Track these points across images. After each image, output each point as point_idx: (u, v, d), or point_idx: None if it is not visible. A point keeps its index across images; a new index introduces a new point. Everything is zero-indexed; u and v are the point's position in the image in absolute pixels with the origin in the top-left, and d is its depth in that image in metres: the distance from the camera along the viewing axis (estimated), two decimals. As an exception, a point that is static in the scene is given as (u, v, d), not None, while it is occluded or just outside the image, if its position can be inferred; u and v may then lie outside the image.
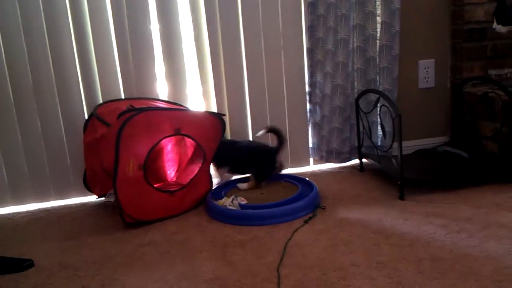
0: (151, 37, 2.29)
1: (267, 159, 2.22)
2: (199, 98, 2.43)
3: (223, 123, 2.19)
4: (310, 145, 2.54)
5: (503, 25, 2.01)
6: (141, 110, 1.93)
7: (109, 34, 2.25)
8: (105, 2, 2.22)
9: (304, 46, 2.40)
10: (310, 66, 2.41)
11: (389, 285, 1.39)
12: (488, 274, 1.41)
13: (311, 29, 2.35)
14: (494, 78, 2.38)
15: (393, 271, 1.46)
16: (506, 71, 2.40)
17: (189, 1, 2.29)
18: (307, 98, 2.47)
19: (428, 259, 1.52)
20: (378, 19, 2.35)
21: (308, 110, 2.48)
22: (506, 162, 2.11)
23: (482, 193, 2.01)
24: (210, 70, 2.35)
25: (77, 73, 2.25)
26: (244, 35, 2.35)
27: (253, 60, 2.39)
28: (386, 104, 2.14)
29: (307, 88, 2.45)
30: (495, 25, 2.04)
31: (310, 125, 2.51)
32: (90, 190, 2.28)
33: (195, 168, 2.15)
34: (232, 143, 2.28)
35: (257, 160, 2.21)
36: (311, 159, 2.57)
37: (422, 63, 2.51)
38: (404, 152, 2.11)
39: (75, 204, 2.31)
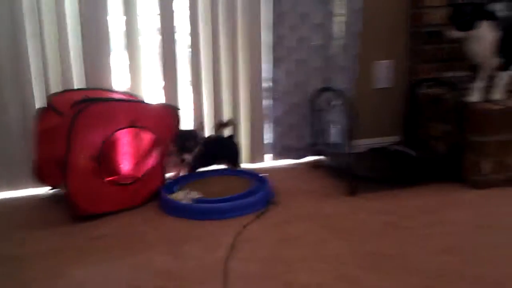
0: (108, 28, 2.26)
1: (234, 145, 2.35)
2: (157, 91, 2.41)
3: (178, 116, 2.19)
4: (269, 140, 2.56)
5: (460, 30, 2.07)
6: (96, 100, 1.91)
7: (65, 23, 2.20)
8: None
9: (261, 43, 2.41)
10: (272, 62, 2.42)
11: (333, 278, 1.43)
12: (430, 270, 1.46)
13: (274, 26, 2.36)
14: (448, 81, 2.46)
15: (338, 265, 1.50)
16: (460, 73, 2.48)
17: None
18: (267, 94, 2.48)
19: (373, 254, 1.56)
20: (340, 18, 2.39)
21: (269, 105, 2.49)
22: (452, 162, 2.18)
23: (428, 191, 2.08)
24: (164, 63, 2.34)
25: (28, 61, 2.19)
26: (203, 29, 2.35)
27: (210, 54, 2.38)
28: (342, 102, 2.18)
29: (269, 84, 2.46)
30: (453, 32, 2.10)
31: (269, 121, 2.53)
32: (42, 181, 2.24)
33: (150, 161, 2.14)
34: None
35: (228, 149, 2.32)
36: (266, 156, 2.58)
37: (380, 63, 2.57)
38: (357, 150, 2.17)
39: (26, 196, 2.26)
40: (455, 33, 2.10)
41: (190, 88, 2.40)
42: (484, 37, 2.06)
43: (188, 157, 2.20)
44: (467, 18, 2.05)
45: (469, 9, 2.06)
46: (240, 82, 2.45)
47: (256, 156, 2.54)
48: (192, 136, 2.23)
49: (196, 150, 2.21)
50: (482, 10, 2.07)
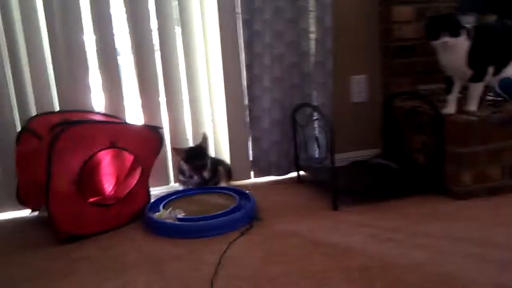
0: (85, 48, 2.26)
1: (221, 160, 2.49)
2: (137, 111, 2.42)
3: (160, 136, 2.19)
4: (251, 158, 2.57)
5: (455, 36, 2.10)
6: (74, 123, 1.90)
7: (42, 45, 2.20)
8: (36, 12, 2.18)
9: (242, 62, 2.42)
10: (249, 81, 2.44)
11: (319, 293, 1.44)
12: (414, 282, 1.48)
13: (248, 45, 2.38)
14: (422, 93, 2.51)
15: (323, 280, 1.51)
16: (433, 86, 2.53)
17: (126, 11, 2.29)
18: (247, 112, 2.50)
19: (357, 268, 1.57)
20: (312, 36, 2.43)
21: (247, 124, 2.50)
22: (432, 173, 2.22)
23: (410, 203, 2.11)
24: (146, 83, 2.36)
25: (8, 85, 2.19)
26: (183, 49, 2.38)
27: (192, 74, 2.41)
28: (320, 117, 2.21)
29: (246, 102, 2.49)
30: (447, 38, 2.09)
31: (250, 138, 2.53)
32: (23, 204, 2.21)
33: (132, 182, 2.13)
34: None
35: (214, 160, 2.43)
36: (251, 172, 2.60)
37: (355, 78, 2.61)
38: (339, 164, 2.19)
39: (7, 220, 2.23)
40: (452, 40, 2.10)
41: (168, 107, 2.42)
42: (459, 48, 2.10)
43: (206, 174, 2.30)
44: (456, 23, 2.09)
45: (443, 19, 2.10)
46: (222, 100, 2.46)
47: (242, 173, 2.55)
48: (202, 152, 2.32)
49: (209, 164, 2.32)
50: (454, 20, 2.10)
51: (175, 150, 2.35)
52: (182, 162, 2.33)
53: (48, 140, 1.83)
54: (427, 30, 2.14)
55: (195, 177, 2.31)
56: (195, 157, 2.30)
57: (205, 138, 2.35)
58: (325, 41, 2.41)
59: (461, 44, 2.09)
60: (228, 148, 2.50)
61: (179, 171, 2.40)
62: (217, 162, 2.44)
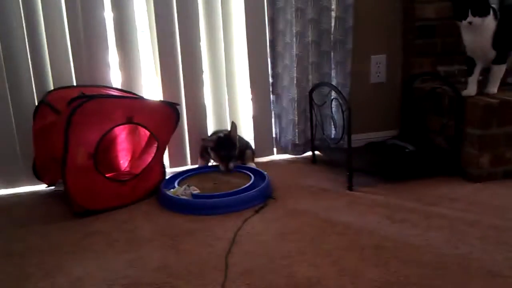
0: (105, 24, 2.25)
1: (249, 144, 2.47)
2: (155, 88, 2.41)
3: (177, 113, 2.18)
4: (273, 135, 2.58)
5: (479, 16, 2.05)
6: (92, 97, 1.90)
7: (61, 20, 2.20)
8: (57, -13, 2.17)
9: (267, 38, 2.41)
10: (272, 58, 2.43)
11: (332, 271, 1.43)
12: (428, 262, 1.47)
13: (272, 21, 2.36)
14: (442, 75, 2.47)
15: (337, 259, 1.50)
16: (454, 67, 2.49)
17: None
18: (271, 88, 2.49)
19: (372, 247, 1.57)
20: (333, 13, 2.39)
21: (271, 101, 2.51)
22: (451, 156, 2.19)
23: (426, 185, 2.09)
24: (164, 59, 2.34)
25: (27, 58, 2.20)
26: (205, 23, 2.37)
27: (213, 49, 2.40)
28: (338, 97, 2.18)
29: (270, 79, 2.47)
30: (470, 18, 2.03)
31: (273, 115, 2.54)
32: (40, 178, 2.24)
33: (148, 158, 2.14)
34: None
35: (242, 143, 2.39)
36: (274, 149, 2.60)
37: (375, 58, 2.57)
38: (355, 145, 2.16)
39: (25, 193, 2.27)
40: (476, 20, 2.04)
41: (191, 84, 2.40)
42: (485, 29, 2.06)
43: (232, 165, 2.25)
44: (482, 3, 2.03)
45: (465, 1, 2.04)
46: (245, 77, 2.45)
47: (265, 150, 2.56)
48: (232, 142, 2.28)
49: (236, 153, 2.29)
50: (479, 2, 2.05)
51: (203, 140, 2.33)
52: (210, 149, 2.30)
53: (66, 114, 1.83)
54: (455, 9, 2.09)
55: (221, 167, 2.27)
56: (224, 147, 2.26)
57: (234, 127, 2.29)
58: (345, 19, 2.38)
59: (488, 24, 2.04)
60: (255, 124, 2.52)
61: (203, 152, 2.38)
62: (245, 146, 2.42)
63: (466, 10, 2.02)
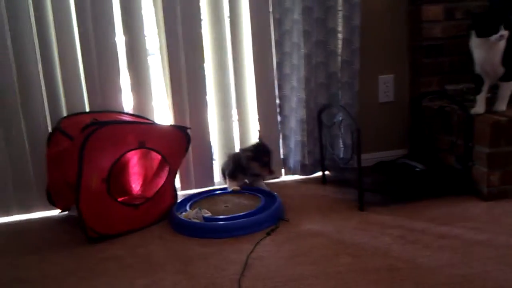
0: (116, 49, 2.30)
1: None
2: (165, 111, 2.45)
3: (187, 136, 2.21)
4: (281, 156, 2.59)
5: (487, 36, 2.07)
6: (105, 123, 1.94)
7: (74, 46, 2.25)
8: (70, 14, 2.22)
9: (274, 59, 2.45)
10: (279, 80, 2.46)
11: (346, 294, 1.44)
12: (442, 283, 1.47)
13: (278, 44, 2.40)
14: (450, 93, 2.48)
15: (351, 281, 1.50)
16: (461, 86, 2.50)
17: (154, 14, 2.32)
18: (278, 110, 2.52)
19: (385, 269, 1.57)
20: (339, 35, 2.42)
21: (278, 122, 2.53)
22: (461, 175, 2.19)
23: (437, 204, 2.08)
24: (174, 83, 2.37)
25: (41, 85, 2.24)
26: (211, 46, 2.40)
27: (220, 72, 2.43)
28: (346, 117, 2.20)
29: (277, 101, 2.50)
30: (502, 31, 2.02)
31: (280, 136, 2.56)
32: (54, 204, 2.27)
33: (160, 181, 2.16)
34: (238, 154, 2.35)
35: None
36: (282, 170, 2.61)
37: (382, 78, 2.59)
38: (364, 164, 2.17)
39: (38, 219, 2.29)
40: (505, 33, 2.04)
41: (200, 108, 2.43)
42: (497, 45, 2.07)
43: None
44: (499, 22, 2.04)
45: (499, 14, 2.05)
46: (254, 98, 2.48)
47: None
48: (267, 149, 2.30)
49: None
50: (508, 15, 2.07)
51: (233, 156, 2.35)
52: (246, 162, 2.26)
53: (79, 140, 1.87)
54: (483, 25, 2.09)
55: (263, 174, 2.31)
56: (261, 154, 2.28)
57: (261, 136, 2.38)
58: (352, 40, 2.40)
59: (503, 41, 2.06)
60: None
61: (234, 171, 2.32)
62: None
63: (497, 24, 2.04)
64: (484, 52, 2.12)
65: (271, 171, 2.29)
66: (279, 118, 2.52)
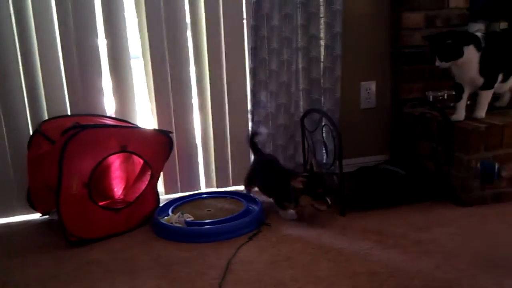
0: (99, 52, 2.29)
1: None
2: (148, 115, 2.44)
3: (170, 141, 2.21)
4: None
5: (446, 61, 2.12)
6: (86, 127, 1.93)
7: (56, 49, 2.23)
8: (52, 16, 2.20)
9: (246, 67, 2.44)
10: (253, 86, 2.44)
11: (325, 299, 1.45)
12: (418, 287, 1.49)
13: (254, 50, 2.39)
14: (431, 100, 2.52)
15: (330, 285, 1.52)
16: (442, 93, 2.54)
17: (136, 16, 2.32)
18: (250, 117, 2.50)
19: (364, 273, 1.59)
20: (321, 42, 2.44)
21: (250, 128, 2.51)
22: (441, 180, 2.22)
23: (417, 209, 2.11)
24: (157, 86, 2.37)
25: (22, 88, 2.22)
26: (193, 52, 2.40)
27: (201, 76, 2.43)
28: (327, 123, 2.22)
29: (249, 107, 2.49)
30: (438, 62, 2.13)
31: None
32: (34, 207, 2.25)
33: (142, 186, 2.16)
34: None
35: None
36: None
37: (364, 84, 2.62)
38: (346, 170, 2.19)
39: (19, 222, 2.26)
40: (444, 64, 2.13)
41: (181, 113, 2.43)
42: (466, 63, 2.12)
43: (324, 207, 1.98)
44: (445, 51, 2.10)
45: (454, 38, 2.10)
46: (226, 105, 2.47)
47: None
48: (320, 176, 2.04)
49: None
50: (466, 35, 2.12)
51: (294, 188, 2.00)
52: (295, 193, 2.00)
53: (60, 144, 1.86)
54: (431, 52, 2.16)
55: (321, 208, 1.98)
56: (316, 183, 1.99)
57: (312, 164, 2.07)
58: (334, 46, 2.43)
59: (469, 59, 2.11)
60: (231, 152, 2.51)
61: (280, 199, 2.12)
62: None
63: (434, 55, 2.10)
64: (456, 68, 2.17)
65: (328, 202, 1.97)
66: (250, 124, 2.50)
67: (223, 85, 2.44)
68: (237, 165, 2.52)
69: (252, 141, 2.36)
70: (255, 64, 2.40)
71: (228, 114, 2.47)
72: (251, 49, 2.38)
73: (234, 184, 2.54)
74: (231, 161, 2.51)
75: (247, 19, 2.39)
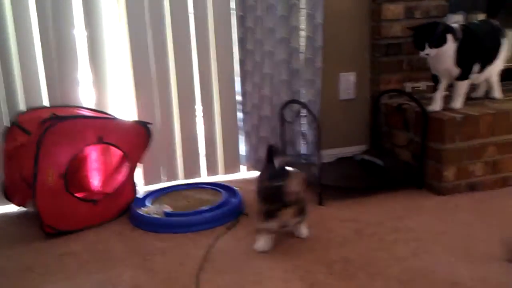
0: (75, 42, 2.26)
1: None
2: (126, 106, 2.42)
3: (148, 132, 2.20)
4: (243, 153, 2.59)
5: (436, 47, 2.14)
6: (63, 118, 1.90)
7: (32, 39, 2.20)
8: (28, 6, 2.16)
9: (234, 57, 2.45)
10: (241, 77, 2.46)
11: (301, 286, 1.46)
12: (394, 275, 1.51)
13: (241, 41, 2.41)
14: (410, 91, 2.54)
15: (306, 274, 1.53)
16: (420, 83, 2.56)
17: (116, 7, 2.30)
18: (239, 107, 2.51)
19: (340, 261, 1.60)
20: (302, 33, 2.45)
21: (241, 119, 2.53)
22: (417, 170, 2.25)
23: (394, 198, 2.14)
24: (134, 78, 2.36)
25: (-2, 80, 2.20)
26: (174, 44, 2.38)
27: (183, 68, 2.41)
28: (308, 114, 2.23)
29: (239, 98, 2.50)
30: (427, 50, 2.13)
31: (243, 133, 2.56)
32: (10, 199, 2.22)
33: (120, 177, 2.14)
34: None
35: None
36: (242, 167, 2.62)
37: (344, 75, 2.63)
38: (325, 160, 2.21)
39: (-5, 214, 2.25)
40: (433, 51, 2.14)
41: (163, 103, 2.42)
42: (444, 54, 2.14)
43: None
44: (437, 37, 2.12)
45: (438, 28, 2.12)
46: (214, 95, 2.47)
47: (231, 166, 2.57)
48: (280, 193, 1.64)
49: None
50: (446, 26, 2.14)
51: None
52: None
53: (36, 135, 1.83)
54: (414, 41, 2.18)
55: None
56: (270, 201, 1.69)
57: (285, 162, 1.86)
58: (315, 38, 2.43)
59: (447, 48, 2.13)
60: (219, 142, 2.53)
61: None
62: None
63: (423, 42, 2.11)
64: (433, 59, 2.19)
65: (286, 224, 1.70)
66: (240, 115, 2.53)
67: (210, 74, 2.45)
68: (228, 152, 2.54)
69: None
70: (242, 55, 2.42)
71: (216, 104, 2.49)
72: (239, 40, 2.39)
73: (225, 172, 2.56)
74: (220, 150, 2.54)
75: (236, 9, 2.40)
